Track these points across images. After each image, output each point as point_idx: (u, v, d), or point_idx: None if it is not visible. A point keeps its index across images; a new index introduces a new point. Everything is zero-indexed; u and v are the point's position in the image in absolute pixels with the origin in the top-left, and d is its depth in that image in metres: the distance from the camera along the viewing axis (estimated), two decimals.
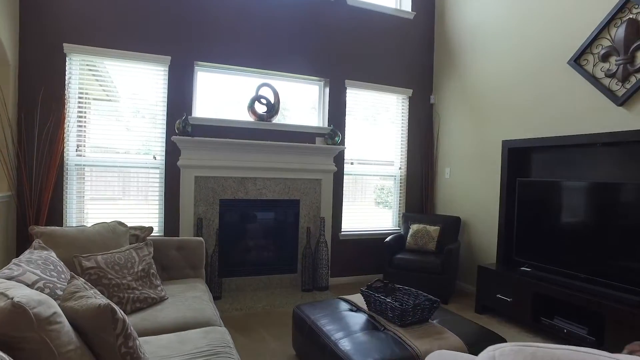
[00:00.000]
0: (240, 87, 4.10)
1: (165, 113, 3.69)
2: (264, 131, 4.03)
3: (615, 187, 2.74)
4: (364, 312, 2.43)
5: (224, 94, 4.07)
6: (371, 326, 2.21)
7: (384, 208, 4.82)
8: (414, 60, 4.75)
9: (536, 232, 3.23)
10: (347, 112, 4.44)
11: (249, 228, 4.06)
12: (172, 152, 3.69)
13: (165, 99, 3.69)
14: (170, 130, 3.69)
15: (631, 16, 2.85)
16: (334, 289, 4.17)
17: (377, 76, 4.55)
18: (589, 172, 3.04)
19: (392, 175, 4.79)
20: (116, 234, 2.35)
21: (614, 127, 2.90)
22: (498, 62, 3.89)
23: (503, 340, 2.12)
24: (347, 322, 2.26)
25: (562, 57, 3.27)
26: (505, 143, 3.54)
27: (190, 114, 3.78)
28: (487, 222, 3.98)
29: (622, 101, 2.85)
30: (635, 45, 2.81)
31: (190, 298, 2.26)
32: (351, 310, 2.48)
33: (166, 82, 3.69)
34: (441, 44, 4.71)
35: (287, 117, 4.35)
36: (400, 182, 4.80)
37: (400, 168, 4.79)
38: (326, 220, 4.25)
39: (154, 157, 3.67)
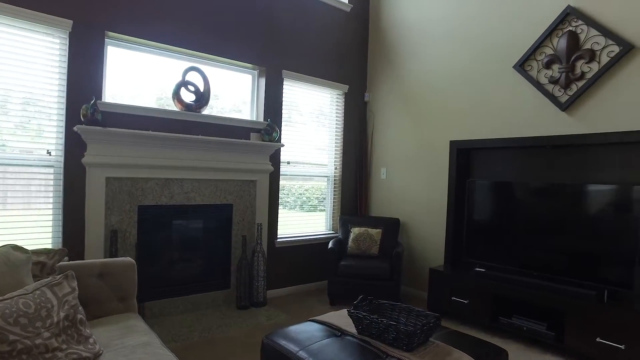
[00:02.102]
0: (163, 70, 3.38)
1: (64, 96, 2.81)
2: (192, 123, 3.39)
3: (562, 187, 2.88)
4: (352, 336, 2.09)
5: (142, 77, 3.30)
6: (371, 355, 1.88)
7: (316, 211, 4.50)
8: (349, 55, 4.55)
9: (486, 233, 3.28)
10: (283, 106, 4.03)
11: (175, 239, 3.37)
12: (74, 147, 2.83)
13: (65, 78, 2.81)
14: (72, 119, 2.82)
15: (571, 28, 3.04)
16: (273, 303, 3.73)
17: (314, 69, 4.22)
18: (537, 173, 3.17)
19: (326, 176, 4.52)
20: (12, 266, 1.58)
21: (559, 131, 3.07)
22: (442, 64, 3.90)
23: (505, 353, 2.00)
24: (340, 354, 1.89)
25: (508, 61, 3.38)
26: (453, 143, 3.54)
27: (100, 99, 2.95)
28: (430, 223, 3.97)
29: (565, 107, 3.02)
30: (575, 55, 3.00)
31: (137, 347, 1.64)
32: (335, 335, 2.12)
33: (66, 55, 2.82)
34: (376, 41, 4.60)
35: (217, 108, 3.75)
36: (335, 183, 4.56)
37: (335, 168, 4.55)
38: (263, 227, 3.78)
39: (48, 153, 2.77)
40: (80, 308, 1.57)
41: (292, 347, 1.99)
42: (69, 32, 2.81)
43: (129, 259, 2.19)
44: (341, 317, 2.33)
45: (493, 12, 3.49)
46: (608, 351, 2.44)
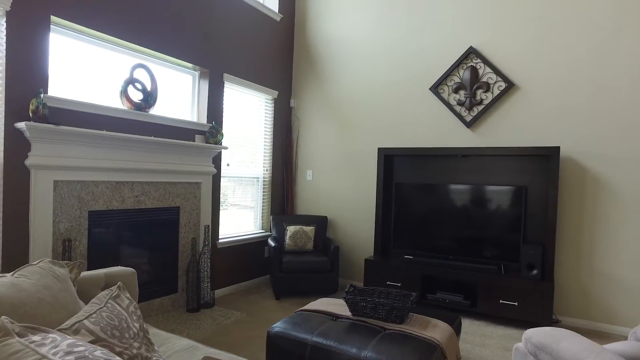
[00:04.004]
0: (106, 64, 3.12)
1: (2, 85, 2.42)
2: (140, 123, 3.22)
3: (470, 188, 3.72)
4: (348, 318, 2.43)
5: (85, 70, 2.99)
6: (373, 330, 2.26)
7: (243, 210, 4.61)
8: (278, 62, 4.79)
9: (410, 226, 3.96)
10: (223, 109, 4.06)
11: (125, 246, 3.16)
12: (13, 146, 2.47)
13: (3, 67, 2.42)
14: (12, 114, 2.45)
15: (473, 64, 3.91)
16: (220, 303, 3.78)
17: (249, 74, 4.35)
18: (449, 177, 3.97)
19: (257, 177, 4.69)
20: (63, 281, 1.47)
21: (466, 144, 3.92)
22: (366, 79, 4.46)
23: (459, 318, 2.60)
24: (348, 333, 2.22)
25: (425, 83, 4.12)
26: (381, 150, 4.13)
27: (46, 93, 2.62)
28: (357, 219, 4.51)
29: (469, 125, 3.89)
30: (476, 85, 3.88)
31: (190, 350, 1.69)
32: (332, 320, 2.43)
33: (3, 38, 2.43)
34: (301, 51, 4.94)
35: (160, 108, 3.60)
36: (264, 184, 4.76)
37: (265, 170, 4.75)
38: (208, 228, 3.78)
39: None
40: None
41: (303, 334, 2.23)
42: (7, 11, 2.43)
43: (129, 268, 2.11)
44: (327, 305, 2.64)
45: (413, 41, 4.19)
46: (508, 308, 3.32)
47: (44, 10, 2.59)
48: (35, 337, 0.95)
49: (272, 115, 4.77)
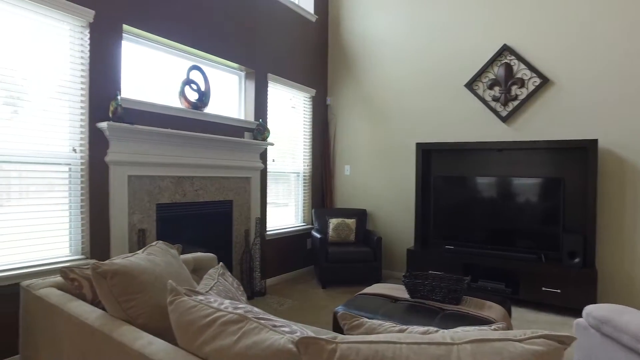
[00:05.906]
0: (163, 67, 3.35)
1: (87, 89, 2.66)
2: (195, 122, 3.44)
3: (507, 180, 3.84)
4: (406, 300, 2.60)
5: (149, 73, 3.22)
6: (431, 311, 2.42)
7: (284, 204, 4.79)
8: (315, 61, 4.97)
9: (450, 218, 4.10)
10: (268, 107, 4.27)
11: (186, 237, 3.38)
12: (95, 144, 2.70)
13: (87, 70, 2.66)
14: (93, 114, 2.68)
15: (507, 61, 4.02)
16: (270, 291, 3.99)
17: (289, 73, 4.54)
18: (486, 170, 4.10)
19: (297, 172, 4.88)
20: (177, 259, 1.67)
21: (502, 138, 4.04)
22: (401, 77, 4.61)
23: (509, 301, 2.74)
24: (408, 313, 2.38)
25: (460, 80, 4.25)
26: (419, 145, 4.28)
27: (120, 95, 2.85)
28: (395, 212, 4.67)
29: (505, 119, 4.00)
30: (510, 81, 3.99)
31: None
32: (391, 302, 2.59)
33: (87, 46, 2.66)
34: (336, 51, 5.11)
35: (210, 107, 3.82)
36: (305, 179, 4.95)
37: (306, 165, 4.93)
38: (259, 221, 3.99)
39: (74, 150, 2.59)
40: None
41: (368, 313, 2.41)
42: (90, 23, 2.66)
43: (211, 254, 2.32)
44: (384, 289, 2.81)
45: (447, 39, 4.32)
46: (550, 295, 3.44)
47: (117, 20, 2.82)
48: (200, 297, 1.15)
49: (311, 113, 4.95)
